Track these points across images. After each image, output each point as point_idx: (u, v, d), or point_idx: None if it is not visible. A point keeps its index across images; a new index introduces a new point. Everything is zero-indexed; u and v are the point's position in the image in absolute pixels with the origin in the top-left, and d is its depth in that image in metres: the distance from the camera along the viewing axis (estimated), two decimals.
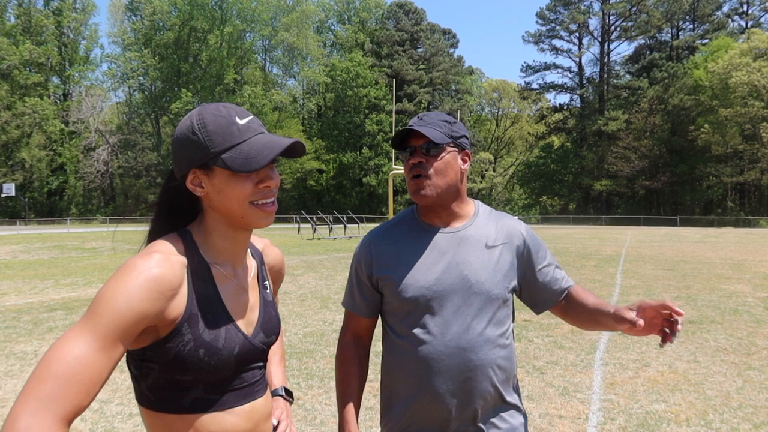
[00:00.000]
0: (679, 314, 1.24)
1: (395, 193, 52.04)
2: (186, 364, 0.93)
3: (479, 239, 1.43)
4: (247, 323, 1.05)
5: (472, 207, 1.50)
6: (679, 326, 1.25)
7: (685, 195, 51.96)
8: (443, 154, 1.38)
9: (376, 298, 1.48)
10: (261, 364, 1.09)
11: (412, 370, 1.37)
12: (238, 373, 1.02)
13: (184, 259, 0.98)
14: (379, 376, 1.51)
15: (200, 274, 0.99)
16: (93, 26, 57.06)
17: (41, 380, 0.78)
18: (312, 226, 26.49)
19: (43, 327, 6.44)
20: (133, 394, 3.90)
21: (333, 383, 4.34)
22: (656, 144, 52.38)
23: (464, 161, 1.44)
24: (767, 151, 44.94)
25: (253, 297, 1.09)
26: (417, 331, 1.37)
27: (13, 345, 5.60)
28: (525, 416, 1.48)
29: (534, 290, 1.49)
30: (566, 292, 1.52)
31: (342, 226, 29.17)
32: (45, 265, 13.68)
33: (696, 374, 4.59)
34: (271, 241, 1.27)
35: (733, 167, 47.24)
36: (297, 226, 29.64)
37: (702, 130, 47.28)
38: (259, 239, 1.23)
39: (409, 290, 1.38)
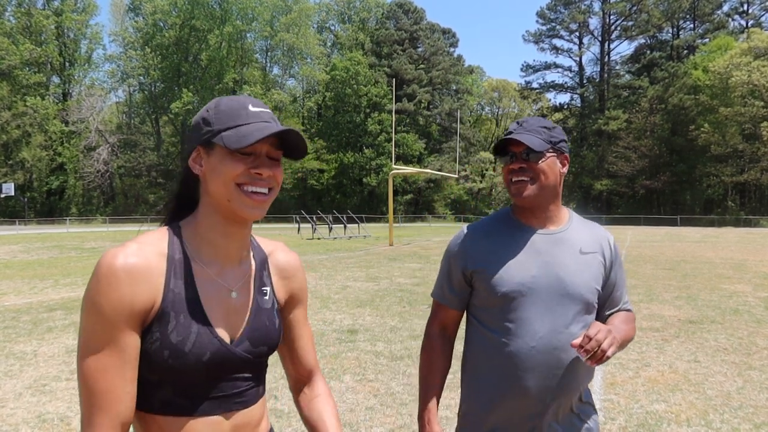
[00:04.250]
0: (573, 346, 1.28)
1: (395, 193, 51.99)
2: (151, 364, 0.92)
3: (574, 244, 1.47)
4: (229, 329, 0.99)
5: (566, 212, 1.53)
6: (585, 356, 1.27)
7: (686, 195, 51.92)
8: (543, 159, 1.41)
9: (466, 291, 1.51)
10: (248, 375, 1.02)
11: (502, 364, 1.41)
12: (213, 381, 0.97)
13: (163, 251, 0.95)
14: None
15: (179, 270, 0.96)
16: (95, 26, 57.05)
17: (83, 403, 0.88)
18: (312, 225, 26.47)
19: (42, 327, 6.43)
20: None
21: (333, 383, 4.33)
22: (656, 143, 52.35)
23: (563, 164, 1.47)
24: (767, 151, 44.90)
25: (242, 301, 1.02)
26: (510, 325, 1.40)
27: (12, 345, 5.59)
28: (597, 415, 1.54)
29: (600, 303, 1.54)
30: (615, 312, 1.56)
31: (342, 225, 29.16)
32: (44, 265, 13.68)
33: (696, 374, 4.58)
34: (286, 245, 1.19)
35: (734, 167, 47.21)
36: (297, 225, 29.62)
37: (702, 129, 47.24)
38: (270, 242, 1.17)
39: (504, 285, 1.41)
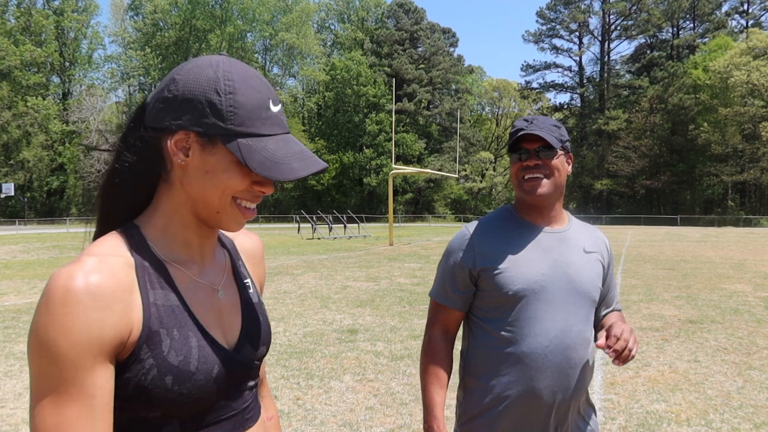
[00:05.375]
0: (601, 346, 1.28)
1: (395, 193, 52.01)
2: (150, 398, 0.74)
3: (578, 243, 1.47)
4: (227, 334, 0.85)
5: (565, 213, 1.54)
6: (612, 356, 1.27)
7: (686, 194, 51.94)
8: (556, 157, 1.42)
9: (470, 291, 1.46)
10: (252, 383, 0.89)
11: (513, 366, 1.38)
12: (223, 399, 0.82)
13: (130, 260, 0.77)
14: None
15: (156, 279, 0.78)
16: (95, 26, 57.05)
17: None
18: (312, 225, 26.47)
19: None
20: None
21: (333, 383, 4.33)
22: (656, 143, 52.36)
23: (568, 163, 1.49)
24: (767, 150, 44.90)
25: (231, 299, 0.88)
26: (520, 325, 1.38)
27: (12, 345, 5.59)
28: (596, 415, 1.55)
29: (597, 302, 1.55)
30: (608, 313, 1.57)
31: (342, 225, 29.16)
32: (44, 265, 13.67)
33: (696, 374, 4.58)
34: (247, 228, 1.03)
35: (733, 166, 47.21)
36: (297, 225, 29.63)
37: (702, 129, 47.27)
38: None
39: (516, 283, 1.38)
